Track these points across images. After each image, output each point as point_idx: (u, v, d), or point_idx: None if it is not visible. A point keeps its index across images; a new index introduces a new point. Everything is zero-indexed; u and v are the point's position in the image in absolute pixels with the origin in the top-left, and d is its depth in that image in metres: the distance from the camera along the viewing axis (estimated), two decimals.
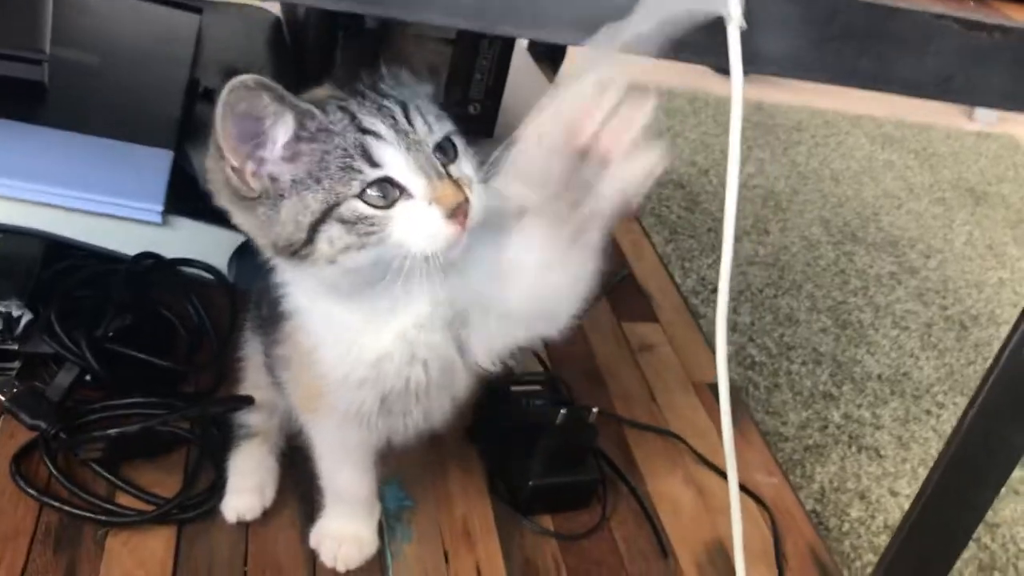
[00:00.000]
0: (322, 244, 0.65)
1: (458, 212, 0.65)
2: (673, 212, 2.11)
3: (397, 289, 0.69)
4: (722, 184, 2.26)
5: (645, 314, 1.34)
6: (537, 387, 1.04)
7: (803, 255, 2.07)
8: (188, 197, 1.07)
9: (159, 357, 0.99)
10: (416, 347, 0.73)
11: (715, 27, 0.55)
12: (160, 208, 1.05)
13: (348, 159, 0.65)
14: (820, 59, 0.58)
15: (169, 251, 1.07)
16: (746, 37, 0.55)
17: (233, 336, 1.02)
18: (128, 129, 1.12)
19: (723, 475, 1.08)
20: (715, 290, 1.86)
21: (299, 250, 0.66)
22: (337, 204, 0.64)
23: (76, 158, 1.07)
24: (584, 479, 0.98)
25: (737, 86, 0.55)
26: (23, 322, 0.95)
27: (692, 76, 2.04)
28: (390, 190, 0.65)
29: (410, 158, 0.65)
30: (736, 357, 1.68)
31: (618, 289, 1.38)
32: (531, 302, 0.71)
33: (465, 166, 0.69)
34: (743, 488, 1.07)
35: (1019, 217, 2.46)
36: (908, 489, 1.50)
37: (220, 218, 1.00)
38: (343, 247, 0.65)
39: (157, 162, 1.09)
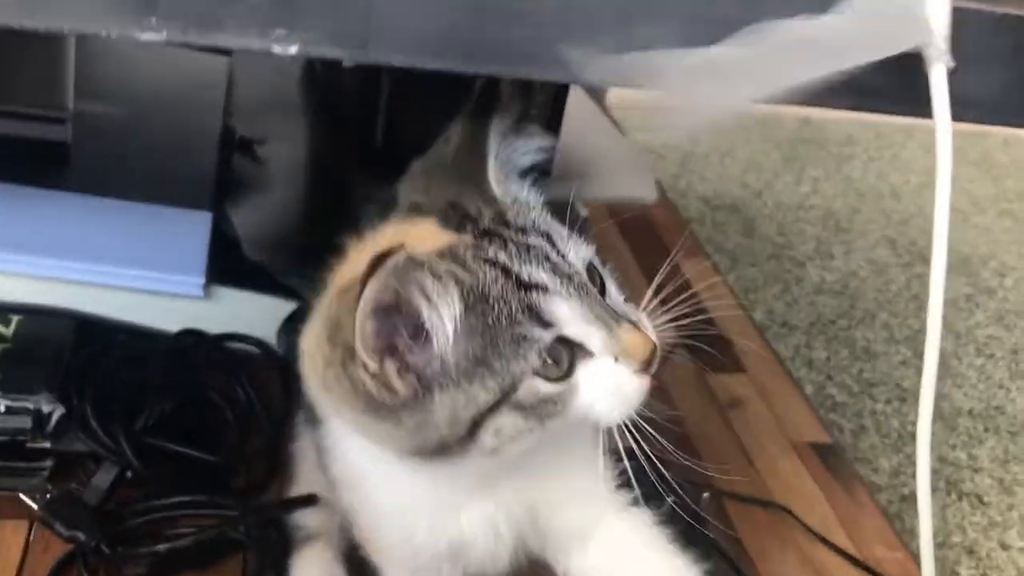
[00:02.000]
0: (487, 438, 0.52)
1: (649, 362, 0.53)
2: (730, 239, 1.99)
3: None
4: (778, 206, 2.16)
5: (730, 363, 1.22)
6: None
7: (872, 280, 1.95)
8: (230, 262, 0.97)
9: (206, 448, 0.89)
10: (503, 536, 0.61)
11: (911, 68, 0.43)
12: (202, 280, 0.94)
13: (517, 326, 0.51)
14: None
15: (212, 326, 0.97)
16: (952, 78, 0.43)
17: (286, 419, 0.92)
18: (161, 190, 1.03)
19: (840, 551, 0.97)
20: (784, 324, 1.76)
21: (452, 448, 0.52)
22: (513, 388, 0.51)
23: (106, 227, 0.97)
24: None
25: (945, 139, 0.43)
26: (55, 418, 0.85)
27: None
28: (562, 353, 0.52)
29: (584, 308, 0.52)
30: (815, 398, 1.56)
31: (696, 337, 1.26)
32: None
33: (615, 294, 0.56)
34: (864, 566, 0.96)
35: None
36: (1020, 542, 1.37)
37: (266, 285, 0.89)
38: (512, 435, 0.52)
39: (195, 226, 0.99)
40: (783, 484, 1.04)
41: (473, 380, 0.50)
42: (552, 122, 1.28)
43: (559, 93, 1.28)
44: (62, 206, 0.97)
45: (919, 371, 1.68)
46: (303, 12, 0.38)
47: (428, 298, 0.49)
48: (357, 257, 0.55)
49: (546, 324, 0.51)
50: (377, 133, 1.22)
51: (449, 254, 0.52)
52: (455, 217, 0.55)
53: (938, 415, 1.57)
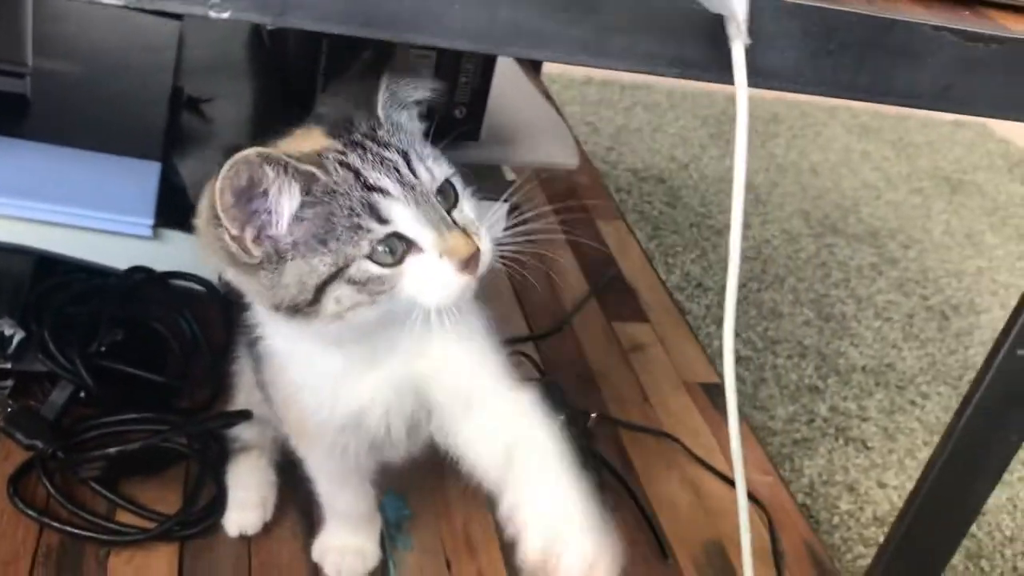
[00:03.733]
0: (329, 304, 0.64)
1: (470, 262, 0.65)
2: (655, 208, 2.12)
3: (380, 341, 0.69)
4: (703, 178, 2.29)
5: (635, 314, 1.35)
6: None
7: (784, 248, 2.08)
8: (177, 209, 1.07)
9: (153, 372, 0.99)
10: (391, 404, 0.73)
11: (718, 42, 0.55)
12: (151, 222, 1.04)
13: (356, 218, 0.63)
14: (819, 73, 0.59)
15: (160, 264, 1.07)
16: (749, 53, 0.55)
17: (227, 350, 1.02)
18: (114, 141, 1.12)
19: (720, 475, 1.10)
20: (699, 285, 1.89)
21: (302, 309, 0.65)
22: (346, 266, 0.63)
23: (63, 172, 1.06)
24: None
25: (743, 102, 0.55)
26: (16, 340, 0.95)
27: None
28: (398, 245, 0.64)
29: (419, 212, 0.64)
30: (720, 352, 1.69)
31: (607, 288, 1.38)
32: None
33: (468, 209, 0.68)
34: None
35: (995, 205, 2.49)
36: (895, 480, 1.51)
37: None
38: (351, 305, 0.64)
39: (145, 174, 1.08)
40: (673, 418, 1.17)
41: (315, 255, 0.63)
42: (480, 90, 1.39)
43: (487, 63, 1.39)
44: (24, 153, 1.06)
45: (821, 330, 1.85)
46: None
47: (272, 184, 0.62)
48: None
49: (383, 220, 0.63)
50: (316, 92, 1.32)
51: (313, 155, 0.65)
52: (339, 128, 0.67)
53: (833, 370, 1.73)
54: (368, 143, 0.66)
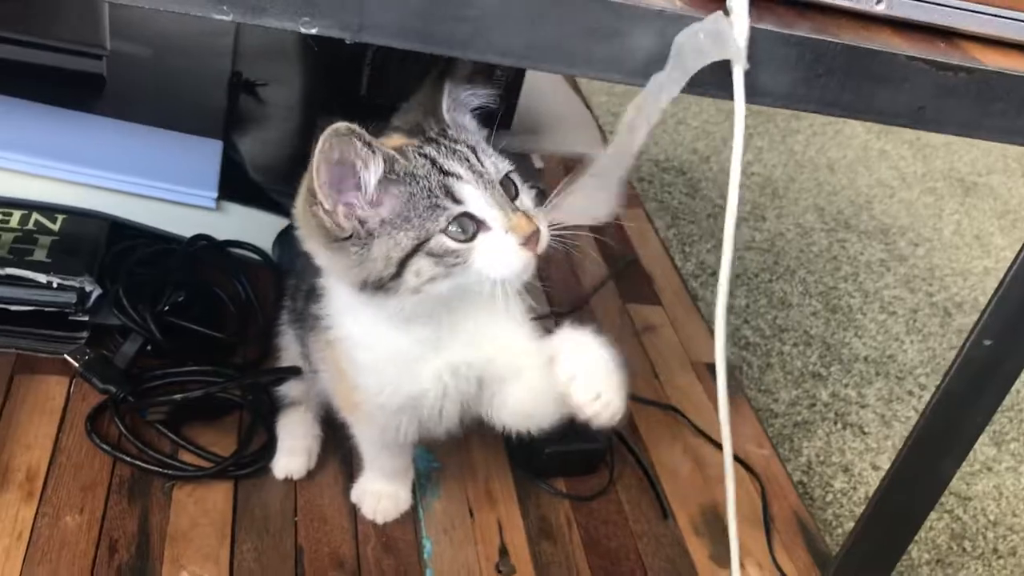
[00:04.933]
0: (409, 276, 0.74)
1: (531, 240, 0.74)
2: (675, 198, 2.21)
3: (445, 325, 0.80)
4: (723, 171, 2.38)
5: (649, 297, 1.45)
6: None
7: (797, 242, 2.17)
8: (237, 183, 1.18)
9: (212, 330, 1.10)
10: (448, 388, 0.84)
11: (723, 68, 0.65)
12: (214, 195, 1.15)
13: (434, 199, 0.73)
14: (810, 93, 0.68)
15: (220, 234, 1.18)
16: (749, 75, 0.65)
17: (277, 314, 1.13)
18: (180, 119, 1.23)
19: (718, 446, 1.19)
20: (714, 274, 1.98)
21: (386, 284, 0.74)
22: (427, 239, 0.73)
23: (136, 146, 1.17)
24: (594, 447, 1.10)
25: (740, 117, 0.65)
26: (93, 296, 1.06)
27: None
28: (469, 224, 0.73)
29: (487, 195, 0.74)
30: (732, 338, 1.79)
31: (624, 273, 1.48)
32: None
33: (527, 200, 0.78)
34: (736, 458, 1.19)
35: (1006, 208, 2.56)
36: (888, 464, 1.61)
37: (266, 204, 1.12)
38: (429, 278, 0.74)
39: (209, 151, 1.19)
40: (680, 393, 1.27)
41: (400, 230, 0.73)
42: (514, 83, 1.50)
43: None
44: (100, 128, 1.17)
45: (827, 321, 1.94)
46: (320, 6, 0.59)
47: (360, 158, 0.71)
48: None
49: (457, 200, 0.74)
50: (362, 84, 1.42)
51: (398, 148, 0.75)
52: (415, 131, 0.78)
53: (837, 359, 1.82)
54: (440, 139, 0.76)
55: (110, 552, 0.89)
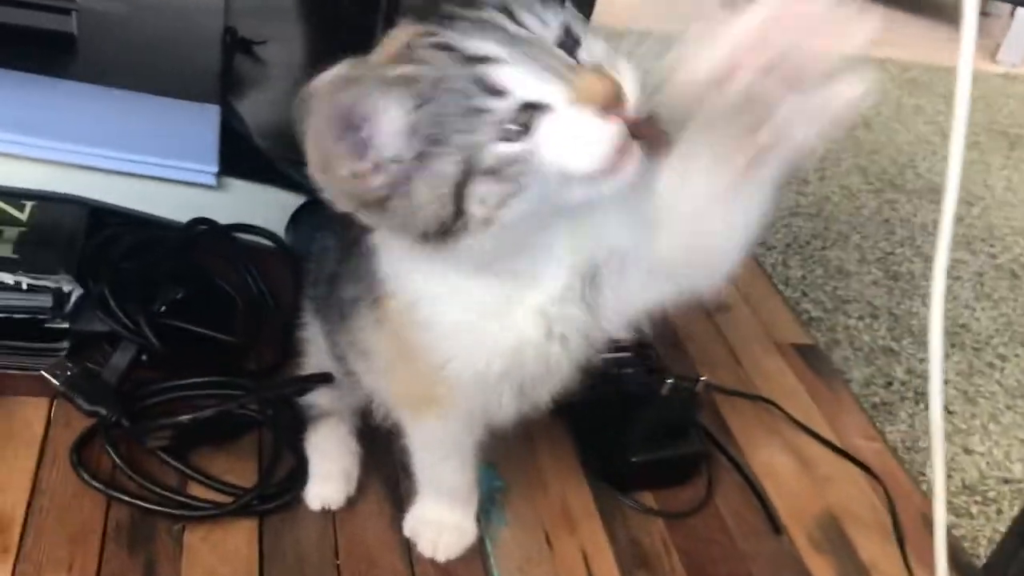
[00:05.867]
0: (475, 208, 0.56)
1: (612, 103, 0.54)
2: None
3: (529, 260, 0.61)
4: None
5: None
6: (627, 354, 0.96)
7: (845, 205, 2.00)
8: (240, 155, 0.99)
9: (219, 333, 0.91)
10: (554, 323, 0.65)
11: None
12: (214, 169, 0.96)
13: (467, 101, 0.54)
14: None
15: (223, 216, 0.99)
16: None
17: (296, 308, 0.94)
18: (167, 82, 1.04)
19: (823, 441, 1.02)
20: (763, 243, 1.80)
21: (452, 226, 0.56)
22: (477, 157, 0.55)
23: (115, 116, 0.99)
24: (689, 453, 0.91)
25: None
26: (73, 298, 0.87)
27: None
28: (523, 114, 0.54)
29: (535, 67, 0.54)
30: (792, 312, 1.61)
31: None
32: (685, 251, 0.60)
33: (597, 49, 0.57)
34: (846, 455, 1.01)
35: None
36: (981, 447, 1.44)
37: (275, 178, 0.92)
38: (498, 201, 0.55)
39: (204, 118, 1.01)
40: (768, 381, 1.09)
41: (438, 159, 0.55)
42: None
43: None
44: (72, 96, 0.98)
45: (889, 290, 1.76)
46: None
47: (365, 105, 0.54)
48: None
49: (497, 92, 0.54)
50: (376, 37, 1.23)
51: (401, 51, 0.56)
52: (427, 11, 0.58)
53: (908, 331, 1.64)
54: (460, 11, 0.56)
55: None
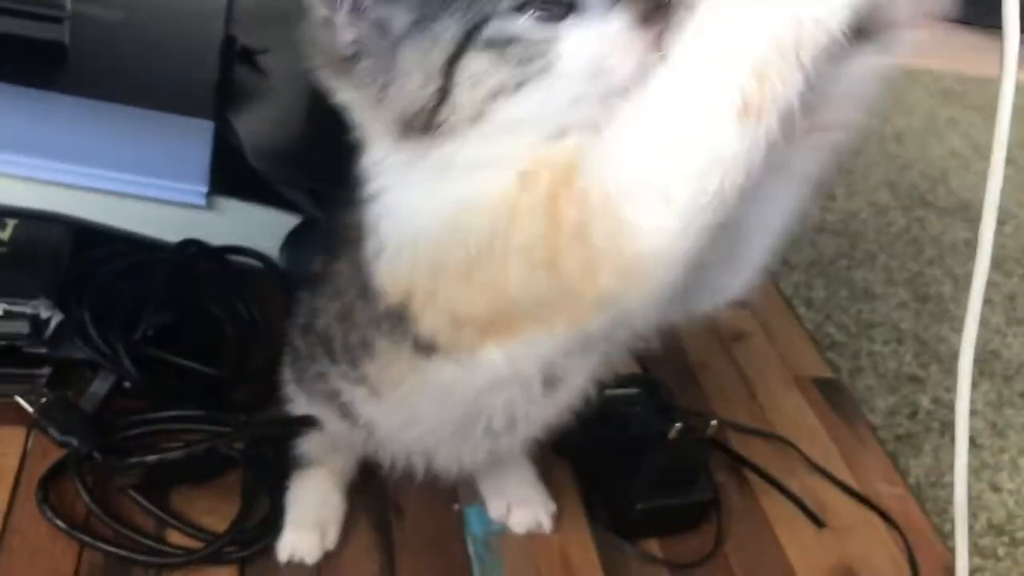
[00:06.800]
0: (463, 91, 0.49)
1: (653, 17, 0.48)
2: None
3: None
4: None
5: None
6: (634, 390, 0.91)
7: (873, 222, 1.93)
8: (233, 174, 0.95)
9: (205, 362, 0.87)
10: None
11: None
12: (204, 189, 0.92)
13: None
14: None
15: (214, 238, 0.95)
16: None
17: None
18: (161, 96, 1.00)
19: (842, 486, 0.97)
20: (785, 262, 1.74)
21: (433, 114, 0.50)
22: (483, 22, 0.48)
23: (104, 131, 0.95)
24: (699, 500, 0.86)
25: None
26: (53, 324, 0.83)
27: None
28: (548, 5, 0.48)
29: None
30: (814, 336, 1.55)
31: None
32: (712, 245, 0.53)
33: None
34: (865, 501, 0.96)
35: None
36: (1011, 483, 1.37)
37: (269, 197, 0.87)
38: (491, 91, 0.49)
39: (197, 134, 0.96)
40: (785, 417, 1.04)
41: (437, 19, 0.49)
42: None
43: None
44: (60, 108, 0.94)
45: (917, 313, 1.69)
46: None
47: None
48: None
49: None
50: None
51: None
52: None
53: (935, 358, 1.57)
54: None
55: None
